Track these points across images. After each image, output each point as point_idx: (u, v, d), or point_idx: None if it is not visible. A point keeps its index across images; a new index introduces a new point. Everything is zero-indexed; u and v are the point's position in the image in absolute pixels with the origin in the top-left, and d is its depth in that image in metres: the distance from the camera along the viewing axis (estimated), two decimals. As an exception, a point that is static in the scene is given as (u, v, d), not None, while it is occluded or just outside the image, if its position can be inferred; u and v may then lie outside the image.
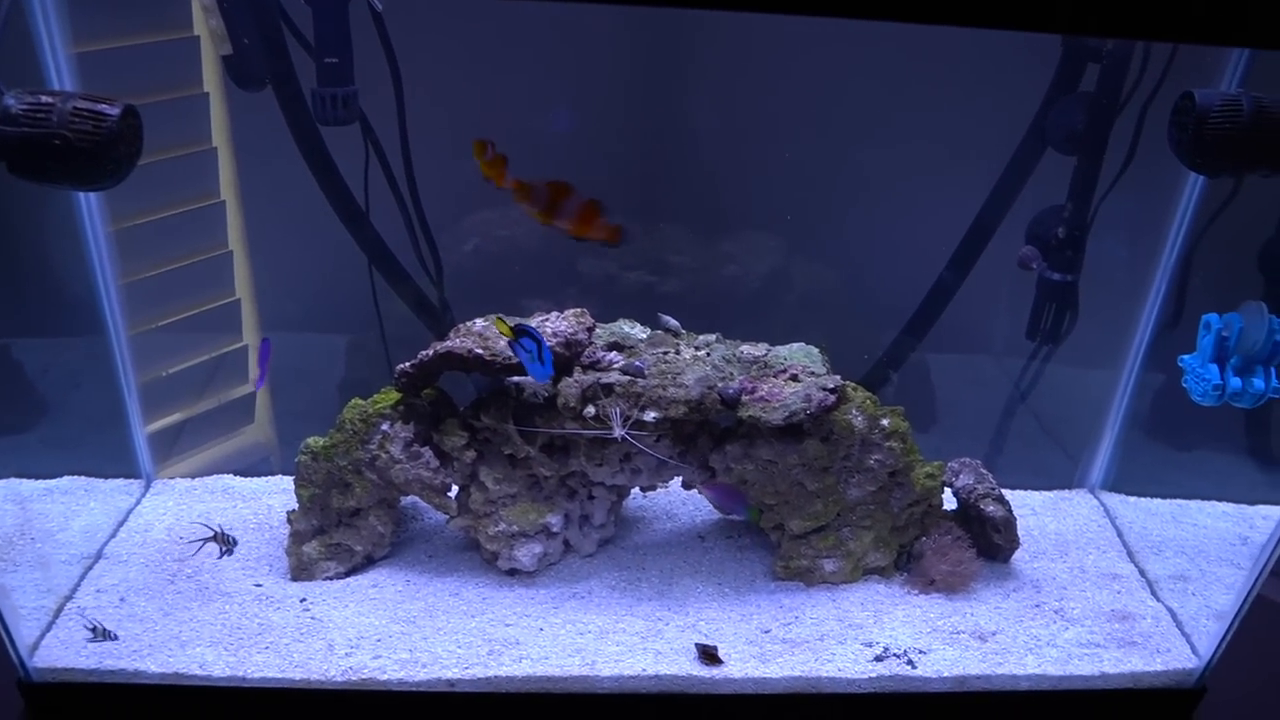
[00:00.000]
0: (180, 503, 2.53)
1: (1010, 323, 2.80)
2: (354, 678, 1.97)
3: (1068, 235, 2.34)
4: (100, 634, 2.04)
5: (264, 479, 2.64)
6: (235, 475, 2.65)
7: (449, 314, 2.56)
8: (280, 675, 1.99)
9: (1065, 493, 2.76)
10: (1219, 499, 2.75)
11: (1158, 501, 2.74)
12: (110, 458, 2.60)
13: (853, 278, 2.73)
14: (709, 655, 1.98)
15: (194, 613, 2.10)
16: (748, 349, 2.25)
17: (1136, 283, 2.57)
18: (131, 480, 2.60)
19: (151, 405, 2.64)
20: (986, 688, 2.05)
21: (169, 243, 2.58)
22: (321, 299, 2.80)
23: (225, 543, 2.21)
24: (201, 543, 2.22)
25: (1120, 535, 2.57)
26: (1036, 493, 2.74)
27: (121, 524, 2.44)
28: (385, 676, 1.98)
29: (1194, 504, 2.73)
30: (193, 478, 2.63)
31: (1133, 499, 2.74)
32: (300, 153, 2.34)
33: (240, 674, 1.98)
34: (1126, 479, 2.76)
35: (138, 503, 2.53)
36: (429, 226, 2.51)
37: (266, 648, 2.00)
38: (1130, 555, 2.48)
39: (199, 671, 1.98)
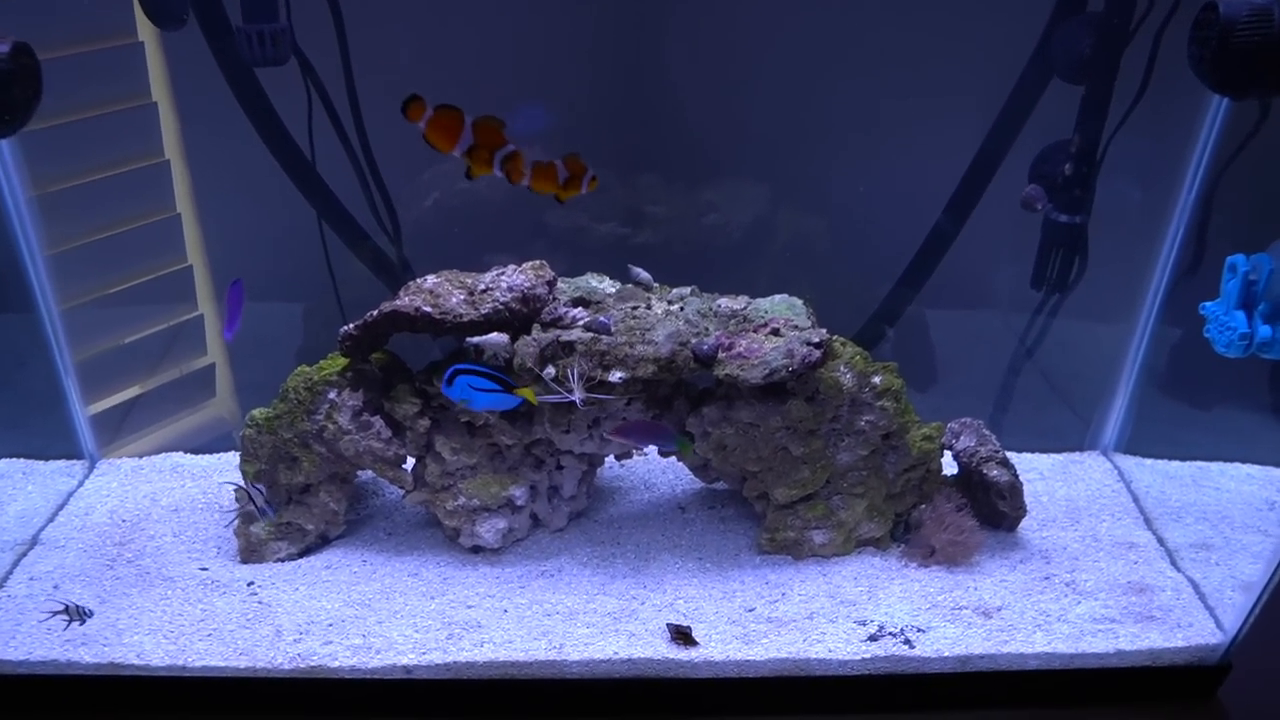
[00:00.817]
0: (125, 484, 2.38)
1: (1015, 274, 2.59)
2: (302, 665, 1.83)
3: (1075, 172, 2.14)
4: (75, 614, 1.88)
5: (215, 456, 2.48)
6: (185, 453, 2.49)
7: (410, 273, 2.38)
8: (223, 664, 1.84)
9: (1076, 455, 2.57)
10: (1243, 460, 2.55)
11: (1176, 464, 2.54)
12: (53, 438, 2.44)
13: (843, 226, 2.55)
14: (682, 635, 1.85)
15: (133, 599, 1.98)
16: (725, 302, 2.07)
17: (1151, 225, 2.37)
18: (74, 461, 2.44)
19: (99, 381, 2.49)
20: (991, 667, 1.89)
21: (107, 206, 2.41)
22: (280, 262, 2.63)
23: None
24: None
25: (1136, 500, 2.38)
26: (1045, 455, 2.56)
27: (61, 508, 2.29)
28: (336, 664, 1.83)
29: (1216, 466, 2.53)
30: (140, 457, 2.47)
31: (1149, 461, 2.54)
32: (235, 99, 2.16)
33: (180, 663, 1.84)
34: (1142, 440, 2.57)
35: (80, 485, 2.38)
36: (383, 180, 2.33)
37: (209, 635, 1.87)
38: (1147, 522, 2.30)
39: (136, 661, 1.84)
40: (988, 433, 2.23)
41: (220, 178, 2.51)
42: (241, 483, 2.04)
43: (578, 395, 1.84)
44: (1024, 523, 2.21)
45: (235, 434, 2.71)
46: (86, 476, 2.41)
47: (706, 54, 2.44)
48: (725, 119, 2.45)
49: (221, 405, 2.78)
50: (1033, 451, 2.55)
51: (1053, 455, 2.56)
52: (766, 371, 1.91)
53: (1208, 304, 2.00)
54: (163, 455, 2.48)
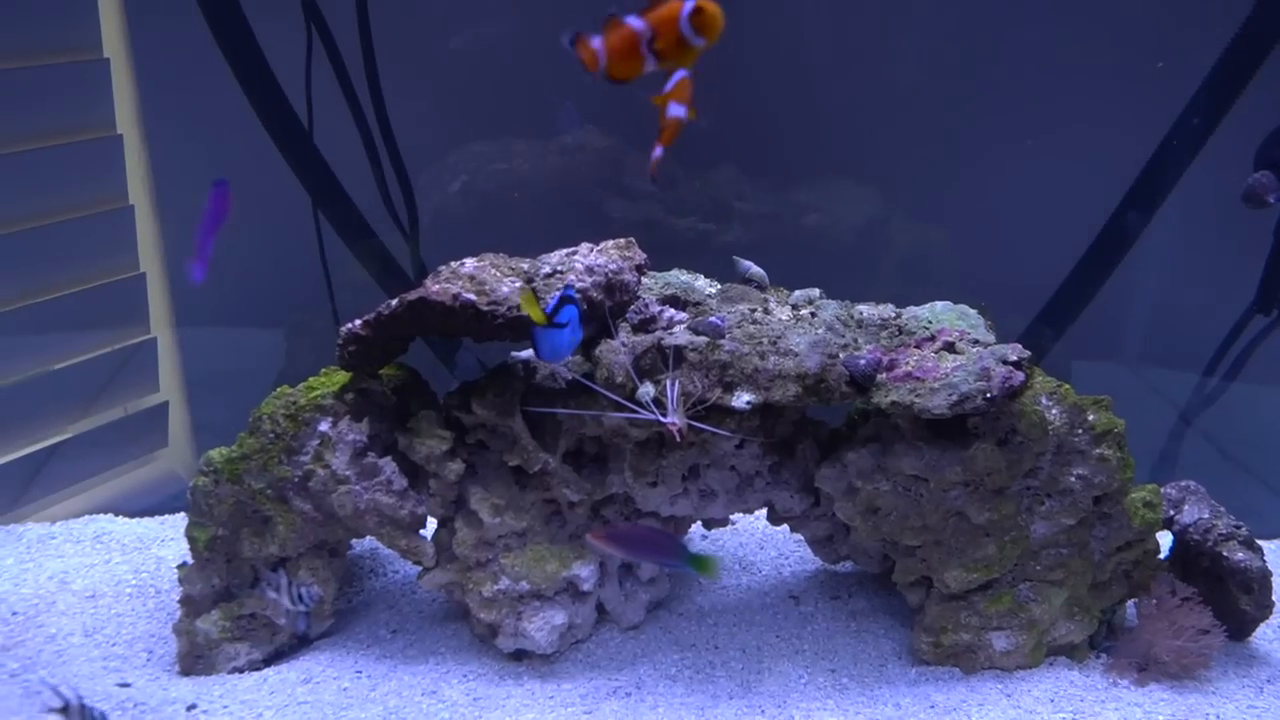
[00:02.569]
0: (25, 559, 1.81)
1: (1148, 324, 2.23)
2: None
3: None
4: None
5: (156, 519, 1.91)
6: (116, 515, 1.87)
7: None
8: None
9: None
10: None
11: None
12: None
13: (971, 243, 2.10)
14: None
15: (12, 734, 1.38)
16: (868, 310, 1.53)
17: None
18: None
19: (9, 418, 1.89)
20: None
21: (35, 186, 1.90)
22: (259, 272, 2.09)
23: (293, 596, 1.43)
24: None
25: None
26: None
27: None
28: None
29: None
30: (52, 522, 1.85)
31: None
32: (213, 36, 1.63)
33: None
34: None
35: (-43, 561, 1.76)
36: (400, 155, 1.79)
37: None
38: None
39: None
40: (1216, 504, 1.66)
41: (186, 157, 1.97)
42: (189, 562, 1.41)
43: (674, 418, 1.24)
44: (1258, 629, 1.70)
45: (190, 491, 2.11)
46: (-30, 549, 1.79)
47: (808, 44, 1.96)
48: (827, 118, 1.96)
49: (176, 457, 2.23)
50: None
51: (1260, 541, 2.01)
52: (954, 398, 1.34)
53: None
54: (84, 519, 1.89)
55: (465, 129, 1.94)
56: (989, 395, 1.35)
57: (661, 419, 1.29)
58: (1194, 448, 2.19)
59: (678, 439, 1.32)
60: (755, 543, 1.87)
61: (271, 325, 2.16)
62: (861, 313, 1.54)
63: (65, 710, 1.26)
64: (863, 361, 1.38)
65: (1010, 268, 2.11)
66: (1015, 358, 1.42)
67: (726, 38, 1.62)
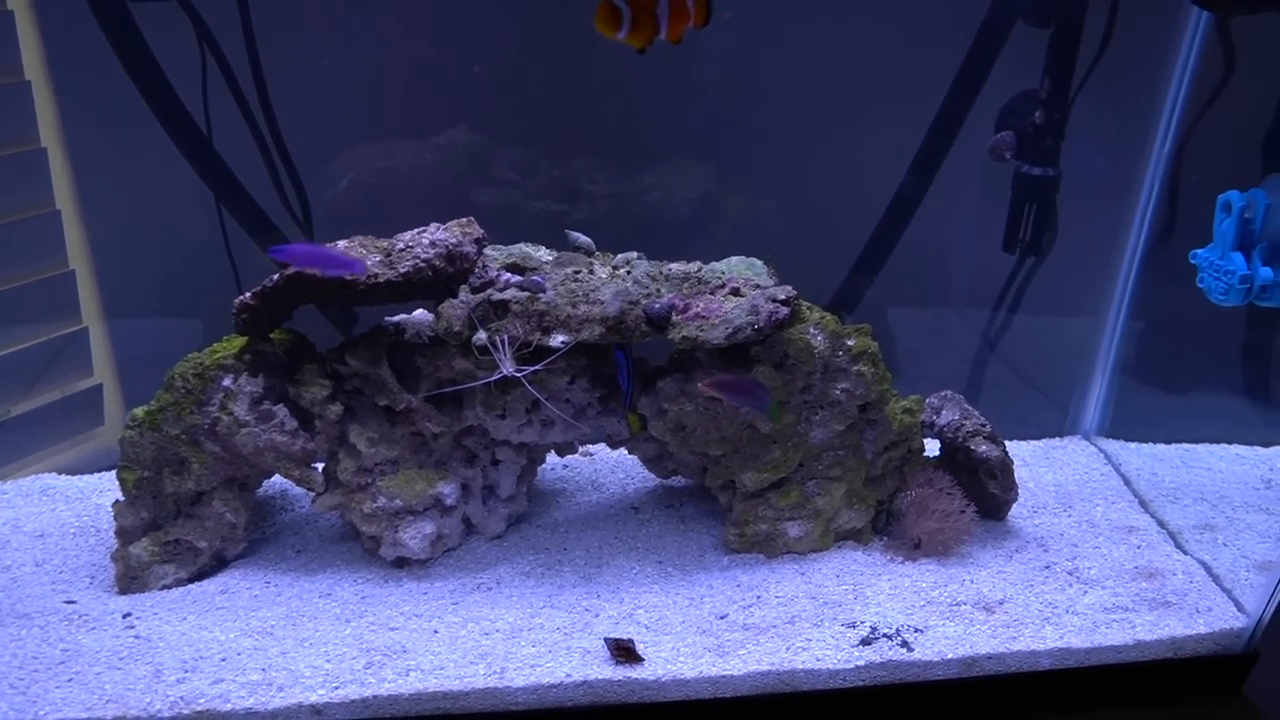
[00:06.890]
0: None
1: (968, 269, 2.53)
2: (186, 711, 1.52)
3: (1047, 120, 1.99)
4: None
5: (95, 475, 2.15)
6: (58, 473, 2.14)
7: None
8: (85, 715, 1.50)
9: (1056, 441, 2.44)
10: (1227, 441, 2.43)
11: (1161, 447, 2.42)
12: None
13: (795, 210, 2.37)
14: (623, 651, 1.61)
15: (-26, 642, 1.63)
16: (677, 266, 1.86)
17: (1120, 197, 2.25)
18: (-83, 486, 2.09)
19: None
20: (1000, 669, 1.68)
21: None
22: (179, 266, 2.33)
23: None
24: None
25: (1128, 483, 2.24)
26: (1024, 442, 2.42)
27: (-105, 539, 1.92)
28: (229, 706, 1.52)
29: (1203, 448, 2.41)
30: (2, 481, 2.12)
31: (1133, 445, 2.41)
32: (119, 61, 1.90)
33: (28, 718, 1.49)
34: (1122, 424, 2.44)
35: (-76, 513, 2.01)
36: (290, 156, 2.08)
37: (70, 680, 1.56)
38: (1143, 505, 2.15)
39: (-31, 718, 1.50)
40: (970, 407, 2.02)
41: (106, 169, 2.23)
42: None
43: (507, 367, 1.57)
44: (1014, 509, 2.04)
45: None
46: (-68, 504, 2.05)
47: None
48: (668, 103, 2.28)
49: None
50: (1011, 439, 2.35)
51: (1032, 441, 2.43)
52: (729, 330, 1.68)
53: (1199, 251, 1.85)
54: (30, 477, 2.14)
55: (351, 133, 2.22)
56: (756, 326, 1.70)
57: (503, 368, 1.61)
58: (996, 370, 2.56)
59: (510, 375, 1.64)
60: (608, 468, 2.17)
61: (191, 313, 2.41)
62: (670, 269, 1.87)
63: None
64: (658, 305, 1.72)
65: (831, 230, 2.44)
66: (783, 296, 1.76)
67: (583, 44, 1.88)
